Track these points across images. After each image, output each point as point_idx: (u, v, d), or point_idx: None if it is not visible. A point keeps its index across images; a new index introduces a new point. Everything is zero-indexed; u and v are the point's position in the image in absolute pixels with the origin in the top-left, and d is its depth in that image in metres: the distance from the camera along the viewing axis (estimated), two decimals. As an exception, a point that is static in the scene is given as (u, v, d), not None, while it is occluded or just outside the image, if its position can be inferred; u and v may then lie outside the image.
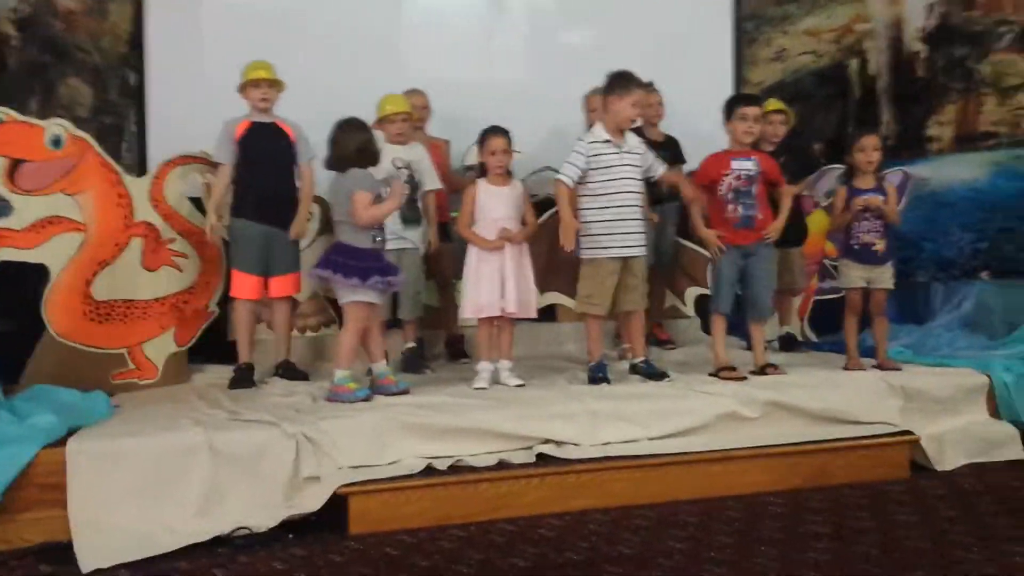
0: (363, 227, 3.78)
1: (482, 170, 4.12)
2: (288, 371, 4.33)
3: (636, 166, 4.05)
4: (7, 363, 3.88)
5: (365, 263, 3.76)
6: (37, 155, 4.02)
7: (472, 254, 4.06)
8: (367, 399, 3.66)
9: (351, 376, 3.76)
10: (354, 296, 3.77)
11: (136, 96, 5.36)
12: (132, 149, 5.32)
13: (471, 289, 4.03)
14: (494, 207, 4.05)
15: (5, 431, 3.09)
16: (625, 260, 4.02)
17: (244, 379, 4.18)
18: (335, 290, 3.90)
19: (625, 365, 4.33)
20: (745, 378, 3.96)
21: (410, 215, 4.54)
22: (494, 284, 3.98)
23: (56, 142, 4.07)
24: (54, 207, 4.06)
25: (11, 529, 2.94)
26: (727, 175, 4.05)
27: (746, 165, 4.06)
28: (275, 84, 4.31)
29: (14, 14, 4.95)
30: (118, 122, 5.33)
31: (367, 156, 3.86)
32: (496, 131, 4.06)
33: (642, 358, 4.15)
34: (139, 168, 5.07)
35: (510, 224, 4.04)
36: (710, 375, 4.05)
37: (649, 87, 5.04)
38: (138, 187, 4.31)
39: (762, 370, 4.08)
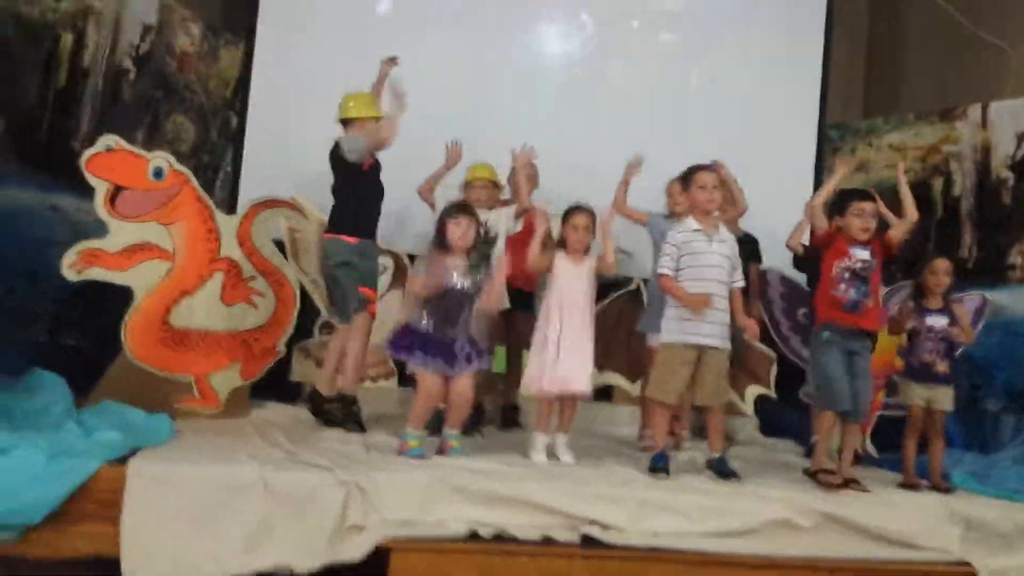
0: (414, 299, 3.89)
1: (561, 243, 4.18)
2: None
3: (725, 256, 3.99)
4: (80, 377, 4.01)
5: (410, 339, 3.86)
6: (139, 184, 4.22)
7: (540, 325, 4.09)
8: (419, 458, 3.69)
9: (415, 435, 3.81)
10: (412, 366, 3.88)
11: (235, 138, 5.62)
12: (225, 187, 5.57)
13: (533, 361, 4.06)
14: (567, 282, 4.09)
15: (71, 443, 3.19)
16: (702, 351, 3.92)
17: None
18: None
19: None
20: (842, 485, 3.82)
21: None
22: (550, 358, 3.99)
23: (158, 173, 4.28)
24: (146, 234, 4.25)
25: (63, 539, 3.00)
26: (846, 259, 4.00)
27: (863, 254, 4.00)
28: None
29: (135, 51, 5.25)
30: (215, 161, 5.59)
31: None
32: (581, 209, 4.13)
33: (717, 454, 3.99)
34: (228, 206, 5.28)
35: (580, 303, 4.07)
36: (806, 473, 3.95)
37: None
38: (227, 224, 4.48)
39: (845, 483, 3.89)
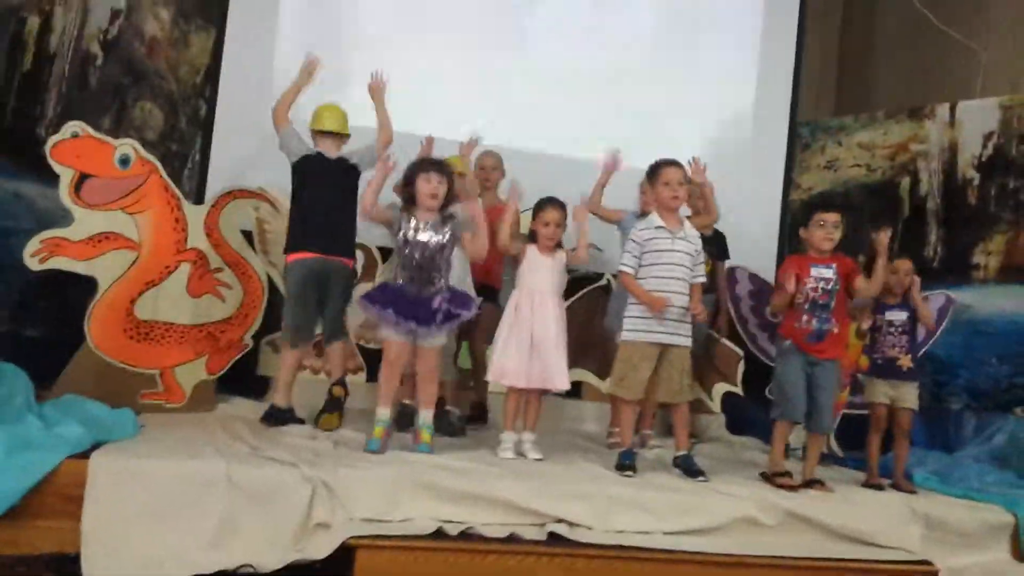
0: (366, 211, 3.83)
1: (532, 237, 4.14)
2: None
3: (688, 254, 3.97)
4: (42, 369, 3.94)
5: (385, 295, 3.79)
6: (105, 172, 4.16)
7: (506, 318, 4.06)
8: (373, 452, 3.67)
9: (383, 420, 3.79)
10: (381, 331, 3.84)
11: (204, 127, 5.53)
12: (193, 177, 5.48)
13: (500, 353, 4.01)
14: (536, 275, 4.06)
15: (32, 436, 3.13)
16: (664, 348, 3.93)
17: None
18: None
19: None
20: (797, 487, 3.85)
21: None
22: (523, 351, 3.96)
23: (125, 161, 4.21)
24: (112, 223, 4.19)
25: (23, 535, 2.94)
26: (806, 284, 3.96)
27: (826, 274, 3.96)
28: None
29: (103, 35, 5.15)
30: (183, 149, 5.50)
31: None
32: (553, 203, 4.07)
33: (684, 452, 4.01)
34: (196, 196, 5.20)
35: (551, 297, 4.05)
36: (762, 475, 3.97)
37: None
38: (194, 214, 4.42)
39: (808, 484, 3.94)
